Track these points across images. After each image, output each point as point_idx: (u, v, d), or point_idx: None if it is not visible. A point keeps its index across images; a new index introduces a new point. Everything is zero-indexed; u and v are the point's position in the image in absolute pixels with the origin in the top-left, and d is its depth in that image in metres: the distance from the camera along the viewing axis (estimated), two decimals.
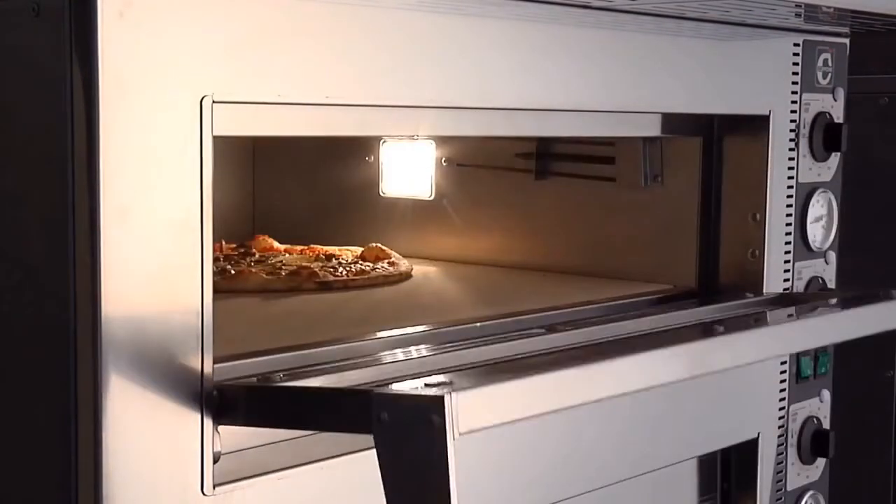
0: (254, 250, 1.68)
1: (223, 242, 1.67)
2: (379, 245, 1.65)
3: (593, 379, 1.00)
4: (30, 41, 0.91)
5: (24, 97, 0.93)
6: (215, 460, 0.95)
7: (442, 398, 0.83)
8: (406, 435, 0.84)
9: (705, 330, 1.22)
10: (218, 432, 0.95)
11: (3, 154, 0.94)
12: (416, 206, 1.77)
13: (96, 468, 0.89)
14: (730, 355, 1.15)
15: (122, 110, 0.88)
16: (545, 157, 1.65)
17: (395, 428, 0.85)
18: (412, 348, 1.15)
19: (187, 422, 0.94)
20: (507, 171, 1.67)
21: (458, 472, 0.83)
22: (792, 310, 1.38)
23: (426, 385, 0.92)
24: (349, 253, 1.67)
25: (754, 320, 1.25)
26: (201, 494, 0.95)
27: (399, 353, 1.13)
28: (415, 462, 0.84)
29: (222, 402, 0.95)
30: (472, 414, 0.85)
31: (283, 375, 1.01)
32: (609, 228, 1.61)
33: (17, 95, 0.93)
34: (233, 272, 1.49)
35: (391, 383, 1.03)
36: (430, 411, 0.83)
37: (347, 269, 1.55)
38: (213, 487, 0.95)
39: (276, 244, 1.71)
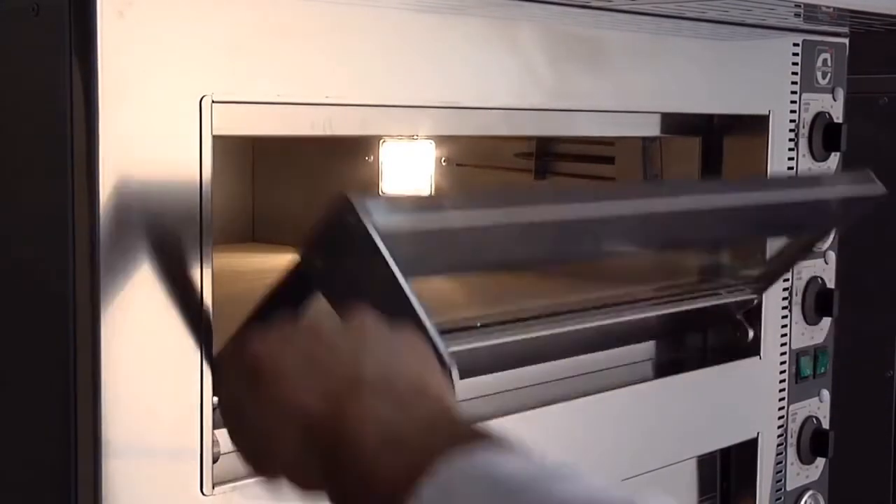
0: None
1: None
2: None
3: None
4: (30, 41, 0.91)
5: (23, 97, 0.93)
6: (215, 460, 0.95)
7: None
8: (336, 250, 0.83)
9: None
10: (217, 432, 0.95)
11: (2, 154, 0.94)
12: None
13: (96, 468, 0.89)
14: None
15: (121, 110, 0.88)
16: (545, 156, 1.65)
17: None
18: None
19: (187, 421, 0.94)
20: (507, 170, 1.67)
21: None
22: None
23: None
24: None
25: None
26: (201, 494, 0.95)
27: None
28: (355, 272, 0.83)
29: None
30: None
31: None
32: None
33: (16, 95, 0.93)
34: None
35: None
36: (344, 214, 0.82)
37: None
38: (213, 487, 0.95)
39: None
